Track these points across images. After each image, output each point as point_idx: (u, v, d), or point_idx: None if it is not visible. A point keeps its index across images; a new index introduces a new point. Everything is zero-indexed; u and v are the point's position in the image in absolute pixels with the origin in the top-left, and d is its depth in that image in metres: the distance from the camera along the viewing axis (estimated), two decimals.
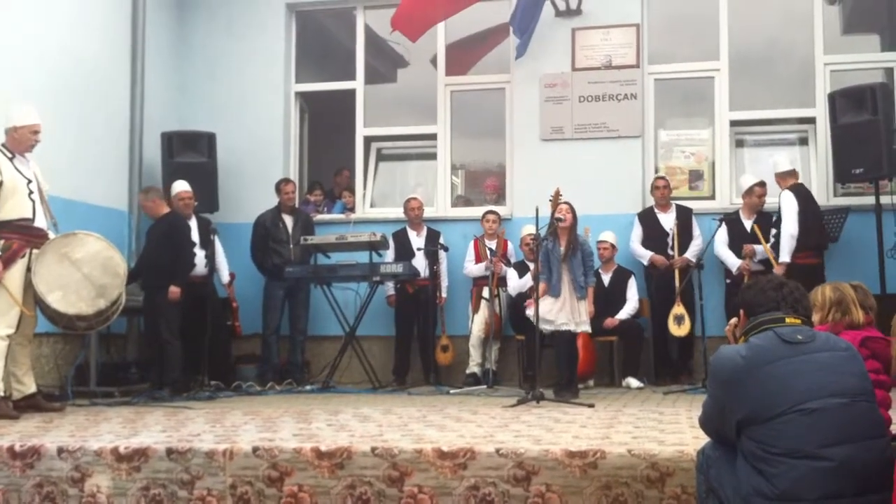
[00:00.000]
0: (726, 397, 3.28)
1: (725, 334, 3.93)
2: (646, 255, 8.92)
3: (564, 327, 7.32)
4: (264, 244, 9.27)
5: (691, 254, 8.73)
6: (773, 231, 8.35)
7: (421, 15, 9.33)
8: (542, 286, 7.31)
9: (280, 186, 9.42)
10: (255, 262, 9.33)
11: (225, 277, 9.05)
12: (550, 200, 7.31)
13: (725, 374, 3.30)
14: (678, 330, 8.45)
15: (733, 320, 3.75)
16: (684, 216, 8.93)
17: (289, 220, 9.36)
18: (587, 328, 7.49)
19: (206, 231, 8.66)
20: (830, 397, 3.16)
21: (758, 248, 8.35)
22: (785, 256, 7.98)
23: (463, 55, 10.32)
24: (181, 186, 8.79)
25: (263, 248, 9.28)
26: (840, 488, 3.07)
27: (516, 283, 8.79)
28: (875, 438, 3.20)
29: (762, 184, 8.64)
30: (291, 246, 9.24)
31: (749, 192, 8.62)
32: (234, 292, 9.09)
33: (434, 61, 10.27)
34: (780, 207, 8.17)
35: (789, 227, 8.03)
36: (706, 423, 3.52)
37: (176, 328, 8.09)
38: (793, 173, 8.40)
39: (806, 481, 3.06)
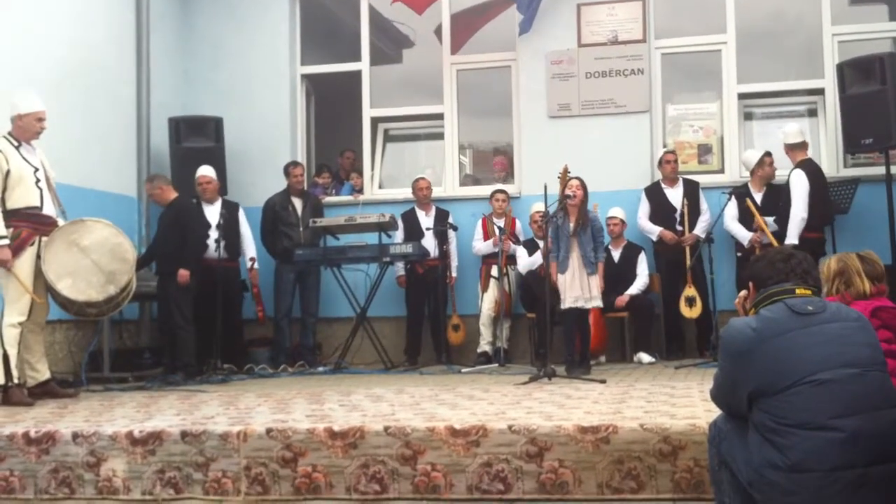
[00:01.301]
0: (737, 370, 3.28)
1: (735, 308, 3.91)
2: (654, 231, 8.90)
3: (575, 304, 7.33)
4: (274, 228, 9.29)
5: (700, 230, 8.70)
6: (780, 203, 8.30)
7: None
8: (552, 265, 7.33)
9: (289, 169, 9.42)
10: (265, 245, 9.34)
11: (247, 262, 9.07)
12: (559, 177, 7.30)
13: (736, 347, 3.29)
14: (690, 312, 8.43)
15: (743, 293, 3.73)
16: (692, 190, 8.90)
17: (298, 203, 9.37)
18: (598, 303, 7.49)
19: (221, 215, 8.63)
20: (841, 368, 3.15)
21: (768, 219, 8.31)
22: (793, 238, 7.87)
23: (462, 27, 10.24)
24: (199, 171, 8.91)
25: (273, 232, 9.29)
26: (852, 459, 3.06)
27: (526, 261, 8.78)
28: (887, 409, 3.19)
29: (769, 153, 8.61)
30: (301, 229, 9.25)
31: (760, 164, 8.56)
32: (256, 276, 9.07)
33: (438, 32, 10.21)
34: (790, 186, 8.09)
35: (799, 210, 7.94)
36: (718, 397, 3.52)
37: (189, 314, 8.14)
38: (803, 145, 8.34)
39: (818, 452, 3.06)
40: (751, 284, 3.57)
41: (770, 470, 3.12)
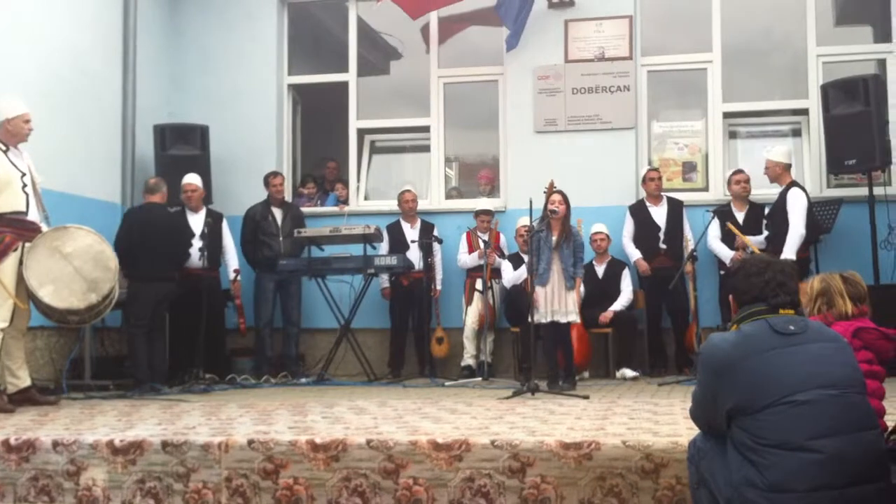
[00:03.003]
0: (717, 385, 3.29)
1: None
2: (633, 256, 8.91)
3: (553, 318, 7.33)
4: (254, 237, 9.27)
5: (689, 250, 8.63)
6: (766, 222, 8.33)
7: None
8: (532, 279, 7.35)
9: (269, 179, 9.40)
10: (244, 255, 9.30)
11: (230, 273, 9.01)
12: (545, 192, 7.32)
13: (715, 362, 3.31)
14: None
15: None
16: (675, 209, 8.93)
17: (278, 213, 9.35)
18: (575, 318, 7.47)
19: (205, 223, 8.60)
20: (820, 389, 3.17)
21: (753, 238, 8.33)
22: (790, 254, 7.81)
23: (448, 25, 10.22)
24: (185, 179, 8.89)
25: (253, 242, 9.27)
26: (831, 480, 3.08)
27: (511, 275, 8.78)
28: (865, 430, 3.21)
29: (738, 171, 8.68)
30: (281, 238, 9.24)
31: (728, 182, 8.65)
32: (238, 289, 8.99)
33: (425, 31, 10.20)
34: (787, 203, 7.98)
35: (799, 227, 7.90)
36: (698, 415, 3.53)
37: (141, 320, 7.91)
38: (789, 167, 8.34)
39: (796, 473, 3.08)
40: (731, 298, 3.59)
41: (749, 489, 3.14)
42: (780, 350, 3.24)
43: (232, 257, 9.09)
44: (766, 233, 8.32)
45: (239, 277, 8.98)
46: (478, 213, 9.24)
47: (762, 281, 3.42)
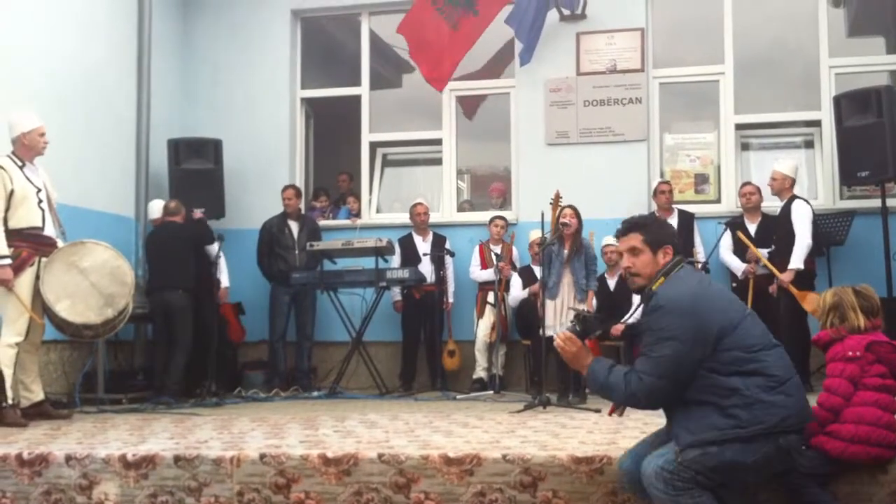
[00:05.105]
0: (700, 319, 3.50)
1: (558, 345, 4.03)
2: None
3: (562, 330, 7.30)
4: (270, 250, 9.30)
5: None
6: (774, 236, 8.30)
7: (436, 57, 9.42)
8: (535, 287, 7.33)
9: (281, 193, 9.45)
10: (260, 268, 9.35)
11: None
12: (551, 203, 7.31)
13: (686, 300, 3.57)
14: None
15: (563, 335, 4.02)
16: (685, 222, 8.89)
17: (294, 226, 9.38)
18: None
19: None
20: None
21: (762, 251, 8.31)
22: (798, 263, 7.83)
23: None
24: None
25: (269, 254, 9.30)
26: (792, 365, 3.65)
27: (516, 293, 8.73)
28: None
29: (746, 183, 8.68)
30: (297, 252, 9.27)
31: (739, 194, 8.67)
32: (224, 295, 8.98)
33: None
34: (792, 214, 8.02)
35: (806, 238, 7.91)
36: (667, 372, 3.56)
37: (159, 334, 8.40)
38: (794, 183, 8.32)
39: (783, 361, 3.56)
40: (670, 248, 3.79)
41: (766, 393, 3.44)
42: (713, 283, 3.86)
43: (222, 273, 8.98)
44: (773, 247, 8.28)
45: (224, 285, 8.97)
46: (492, 219, 9.23)
47: (674, 231, 4.03)
